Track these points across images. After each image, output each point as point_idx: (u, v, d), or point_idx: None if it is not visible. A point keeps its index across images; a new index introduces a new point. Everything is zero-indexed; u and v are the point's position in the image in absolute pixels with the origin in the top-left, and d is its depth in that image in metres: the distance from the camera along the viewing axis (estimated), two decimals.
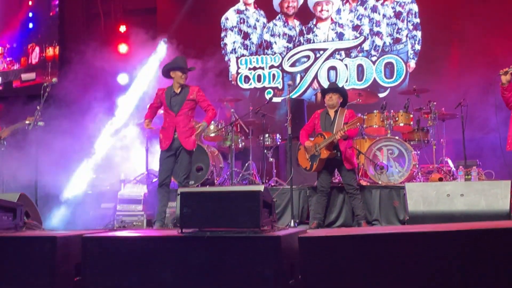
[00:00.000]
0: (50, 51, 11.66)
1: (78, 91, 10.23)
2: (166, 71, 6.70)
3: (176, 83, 6.64)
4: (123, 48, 11.29)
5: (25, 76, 11.76)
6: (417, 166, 7.85)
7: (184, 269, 3.70)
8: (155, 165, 8.77)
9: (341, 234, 3.56)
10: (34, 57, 11.77)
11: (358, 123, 6.72)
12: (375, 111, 8.28)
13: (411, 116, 8.28)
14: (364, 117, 8.29)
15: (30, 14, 12.03)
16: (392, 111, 8.27)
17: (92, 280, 3.84)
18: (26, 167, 8.64)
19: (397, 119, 8.16)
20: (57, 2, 11.72)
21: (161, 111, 6.99)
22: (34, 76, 11.67)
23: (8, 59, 12.03)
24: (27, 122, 6.90)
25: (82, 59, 10.58)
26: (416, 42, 10.24)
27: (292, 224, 5.84)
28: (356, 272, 3.36)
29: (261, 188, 4.18)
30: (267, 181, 8.60)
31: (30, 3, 12.01)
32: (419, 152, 8.13)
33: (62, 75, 11.09)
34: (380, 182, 7.67)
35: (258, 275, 3.54)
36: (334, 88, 7.24)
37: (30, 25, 12.03)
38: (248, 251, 3.61)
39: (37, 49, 11.76)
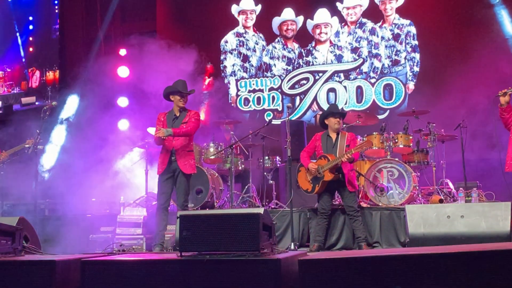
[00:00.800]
0: (50, 75, 11.73)
1: (78, 114, 10.29)
2: (166, 94, 6.74)
3: (176, 106, 6.67)
4: (123, 71, 11.36)
5: (25, 100, 11.81)
6: (417, 187, 7.83)
7: None
8: (154, 188, 8.76)
9: (341, 256, 3.53)
10: (35, 81, 11.84)
11: (365, 147, 6.73)
12: (374, 133, 8.30)
13: (411, 137, 8.29)
14: (364, 139, 8.30)
15: (31, 38, 12.12)
16: (391, 132, 8.28)
17: None
18: (25, 188, 8.67)
19: (396, 140, 8.17)
20: (57, 26, 11.82)
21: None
22: (34, 100, 11.72)
23: (8, 82, 12.09)
24: (26, 145, 6.91)
25: (81, 83, 10.67)
26: (415, 64, 10.31)
27: (292, 247, 5.81)
28: None
29: (260, 210, 4.17)
30: (267, 203, 8.58)
31: (31, 27, 12.12)
32: (419, 173, 8.13)
33: (62, 99, 11.16)
34: (380, 204, 7.65)
35: None
36: (342, 113, 7.28)
37: (31, 49, 12.12)
38: (247, 274, 3.59)
39: (37, 73, 11.83)
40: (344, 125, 8.33)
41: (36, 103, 11.67)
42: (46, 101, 11.41)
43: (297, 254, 4.12)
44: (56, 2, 11.94)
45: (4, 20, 12.20)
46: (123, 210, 8.07)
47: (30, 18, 12.12)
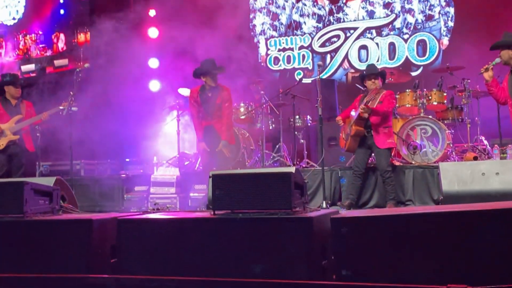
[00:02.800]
0: (81, 37, 11.79)
1: (110, 75, 10.35)
2: (197, 75, 6.87)
3: (207, 85, 6.82)
4: (153, 32, 11.34)
5: (58, 62, 11.92)
6: (451, 145, 7.73)
7: (217, 250, 3.72)
8: (186, 148, 8.85)
9: (375, 214, 3.52)
10: (66, 43, 11.92)
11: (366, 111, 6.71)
12: (407, 90, 8.16)
13: (445, 94, 8.14)
14: (397, 96, 8.19)
15: (61, 0, 12.16)
16: (425, 89, 8.13)
17: (127, 261, 3.89)
18: (62, 150, 8.85)
19: (430, 98, 8.03)
20: None
21: None
22: (67, 62, 11.83)
23: (41, 45, 12.21)
24: (61, 107, 7.01)
25: (112, 44, 10.69)
26: (449, 18, 10.03)
27: (324, 205, 5.84)
28: (389, 253, 3.34)
29: (292, 169, 4.17)
30: (298, 162, 8.59)
31: None
32: (453, 131, 8.01)
33: (94, 60, 11.23)
34: (413, 162, 7.58)
35: (290, 256, 3.54)
36: (375, 73, 7.18)
37: (62, 12, 12.17)
38: (280, 232, 3.61)
39: (68, 35, 11.89)
40: None
41: (69, 65, 11.78)
42: (78, 63, 11.51)
43: (329, 212, 4.13)
44: None
45: None
46: (157, 170, 8.20)
47: None
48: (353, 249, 3.43)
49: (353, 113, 7.00)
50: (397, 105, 8.20)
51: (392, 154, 7.84)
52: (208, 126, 7.09)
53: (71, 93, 6.85)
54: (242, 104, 8.77)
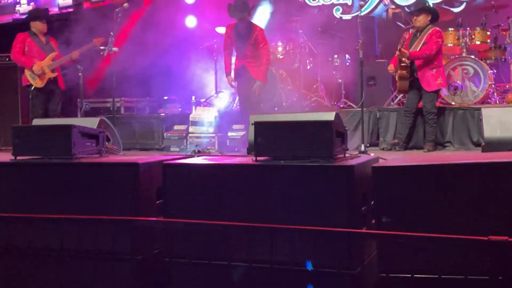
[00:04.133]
0: None
1: (147, 12, 10.34)
2: (229, 13, 6.86)
3: (240, 24, 6.80)
4: None
5: None
6: (493, 86, 7.59)
7: (258, 196, 3.82)
8: (224, 87, 8.89)
9: (414, 164, 3.55)
10: None
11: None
12: (450, 29, 7.96)
13: (488, 33, 7.93)
14: None
15: None
16: (468, 28, 7.91)
17: (172, 204, 4.03)
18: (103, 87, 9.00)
19: (473, 37, 7.84)
20: None
21: None
22: None
23: None
24: (101, 47, 7.07)
25: None
26: None
27: (362, 148, 5.87)
28: (430, 202, 3.38)
29: (332, 115, 4.21)
30: (335, 103, 8.56)
31: None
32: (495, 71, 7.84)
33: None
34: (453, 103, 7.50)
35: (331, 203, 3.62)
36: (417, 8, 7.03)
37: None
38: (321, 180, 3.68)
39: None
40: None
41: (106, 0, 11.73)
42: None
43: (370, 159, 4.18)
44: None
45: None
46: (195, 109, 8.29)
47: None
48: (394, 197, 3.48)
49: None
50: None
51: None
52: (240, 67, 7.16)
53: (111, 33, 6.89)
54: (280, 44, 8.70)
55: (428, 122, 6.86)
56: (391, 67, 7.14)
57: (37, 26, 7.51)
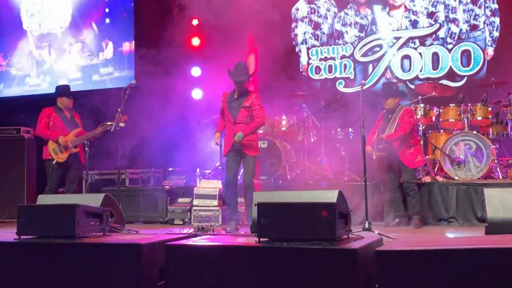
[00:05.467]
0: (126, 46, 12.03)
1: (153, 84, 10.55)
2: (229, 75, 6.86)
3: (236, 89, 6.81)
4: (195, 41, 11.49)
5: (103, 70, 12.19)
6: (495, 161, 7.64)
7: (261, 277, 3.81)
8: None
9: (421, 248, 3.54)
10: (111, 52, 12.18)
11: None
12: (451, 104, 8.10)
13: (489, 109, 8.05)
14: (440, 110, 8.15)
15: (107, 10, 12.43)
16: (469, 104, 8.06)
17: (175, 285, 4.02)
18: (107, 160, 9.08)
19: (474, 112, 7.96)
20: None
21: None
22: (112, 70, 12.09)
23: (87, 54, 12.50)
24: (108, 123, 7.18)
25: (156, 53, 10.89)
26: (494, 28, 9.86)
27: (366, 225, 5.85)
28: (434, 287, 3.36)
29: (335, 195, 4.23)
30: (339, 176, 8.60)
31: None
32: (497, 145, 7.91)
33: (138, 69, 11.47)
34: (456, 178, 7.53)
35: (335, 286, 3.60)
36: (384, 93, 7.37)
37: (107, 21, 12.44)
38: (324, 263, 3.67)
39: (113, 43, 12.15)
40: (419, 97, 8.22)
41: (114, 73, 12.04)
42: (122, 71, 11.76)
43: (374, 241, 4.17)
44: None
45: None
46: (199, 182, 8.33)
47: None
48: (397, 282, 3.46)
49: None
50: (440, 119, 8.16)
51: (436, 169, 7.82)
52: (231, 133, 6.83)
53: (118, 110, 7.02)
54: (284, 117, 8.84)
55: (410, 194, 7.08)
56: (368, 148, 7.12)
57: (64, 101, 7.67)
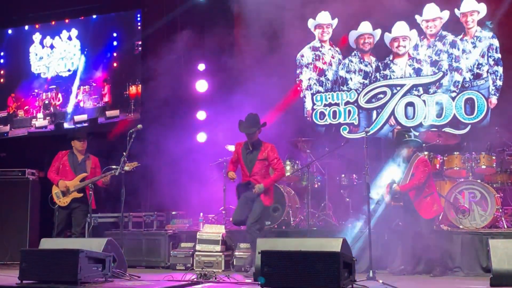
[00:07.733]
0: (133, 89, 12.18)
1: (159, 128, 10.65)
2: (240, 129, 6.96)
3: (249, 140, 6.89)
4: (201, 85, 11.62)
5: (109, 113, 12.31)
6: (500, 210, 7.60)
7: None
8: (232, 203, 8.94)
9: None
10: (118, 95, 12.32)
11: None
12: (455, 153, 8.12)
13: (494, 158, 8.06)
14: (445, 158, 8.17)
15: (115, 54, 12.64)
16: (473, 153, 8.07)
17: None
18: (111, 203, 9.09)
19: (479, 161, 7.97)
20: (140, 42, 12.26)
21: None
22: (118, 113, 12.20)
23: (93, 96, 12.66)
24: (113, 166, 7.21)
25: (163, 97, 11.02)
26: (498, 77, 9.95)
27: (371, 274, 5.78)
28: None
29: (339, 243, 4.22)
30: (343, 222, 8.56)
31: (115, 43, 12.63)
32: (502, 194, 7.89)
33: (144, 113, 11.59)
34: (461, 227, 7.48)
35: None
36: (397, 143, 7.30)
37: (115, 64, 12.64)
38: None
39: (120, 87, 12.30)
40: (424, 145, 8.24)
41: (120, 116, 12.15)
42: (128, 115, 11.88)
43: None
44: (138, 19, 12.40)
45: (91, 36, 12.81)
46: (203, 226, 8.30)
47: (114, 34, 12.64)
48: None
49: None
50: (445, 167, 8.15)
51: (440, 217, 7.76)
52: (246, 182, 7.03)
53: (124, 153, 7.06)
54: (288, 162, 8.86)
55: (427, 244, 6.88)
56: (386, 197, 7.16)
57: (75, 145, 7.69)
